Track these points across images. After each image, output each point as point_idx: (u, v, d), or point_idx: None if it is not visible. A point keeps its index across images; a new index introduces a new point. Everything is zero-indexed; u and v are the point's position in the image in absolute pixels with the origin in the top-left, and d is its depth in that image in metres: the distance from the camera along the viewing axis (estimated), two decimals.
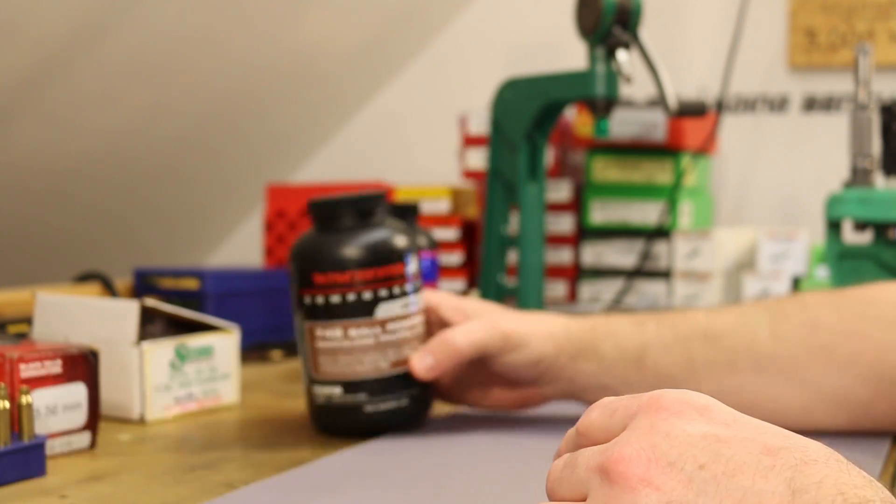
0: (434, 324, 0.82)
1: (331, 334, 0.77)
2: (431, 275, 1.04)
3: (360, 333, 0.76)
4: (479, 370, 0.82)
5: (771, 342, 0.76)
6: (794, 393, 0.76)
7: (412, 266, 0.78)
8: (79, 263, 1.47)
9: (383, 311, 0.77)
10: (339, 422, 0.79)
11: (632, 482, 0.41)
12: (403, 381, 0.78)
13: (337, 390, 0.78)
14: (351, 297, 0.76)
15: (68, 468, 0.71)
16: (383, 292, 0.76)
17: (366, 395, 0.77)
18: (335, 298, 0.76)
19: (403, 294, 0.78)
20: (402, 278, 0.77)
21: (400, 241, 0.78)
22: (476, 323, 0.79)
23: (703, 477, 0.40)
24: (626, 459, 0.41)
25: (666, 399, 0.44)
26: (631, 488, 0.41)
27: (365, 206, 0.78)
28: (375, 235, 0.77)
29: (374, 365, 0.77)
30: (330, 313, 0.76)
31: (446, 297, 0.83)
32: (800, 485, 0.40)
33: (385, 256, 0.77)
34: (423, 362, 0.77)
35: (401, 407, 0.79)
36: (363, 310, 0.76)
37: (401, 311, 0.77)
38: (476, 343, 0.78)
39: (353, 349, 0.77)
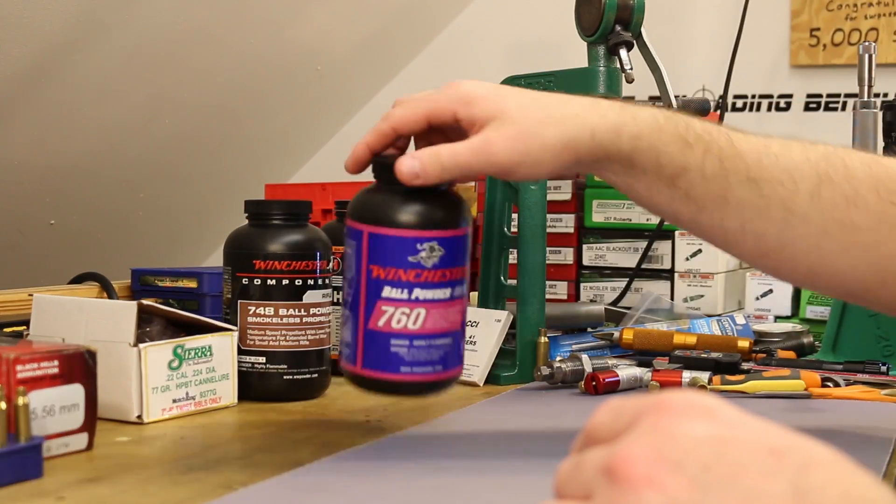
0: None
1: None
2: None
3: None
4: None
5: (808, 204, 0.74)
6: (806, 258, 0.75)
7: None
8: (78, 263, 1.47)
9: None
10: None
11: (636, 482, 0.40)
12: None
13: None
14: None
15: (65, 470, 0.70)
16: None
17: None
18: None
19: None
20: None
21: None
22: (470, 145, 0.73)
23: (707, 478, 0.40)
24: (631, 459, 0.41)
25: (672, 401, 0.44)
26: (635, 489, 0.40)
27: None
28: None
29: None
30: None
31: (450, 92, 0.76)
32: (805, 486, 0.39)
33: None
34: (410, 167, 0.74)
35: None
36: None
37: None
38: (463, 168, 0.73)
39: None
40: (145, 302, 0.88)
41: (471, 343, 1.09)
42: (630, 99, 1.76)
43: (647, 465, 0.41)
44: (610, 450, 0.43)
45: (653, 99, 1.76)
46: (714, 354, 1.05)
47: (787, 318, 1.52)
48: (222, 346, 0.92)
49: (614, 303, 1.54)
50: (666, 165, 0.74)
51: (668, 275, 1.56)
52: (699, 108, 1.12)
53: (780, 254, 0.76)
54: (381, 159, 0.79)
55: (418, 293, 0.78)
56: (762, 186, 0.74)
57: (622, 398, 0.47)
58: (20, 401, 0.67)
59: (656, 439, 0.42)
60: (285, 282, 0.96)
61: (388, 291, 0.77)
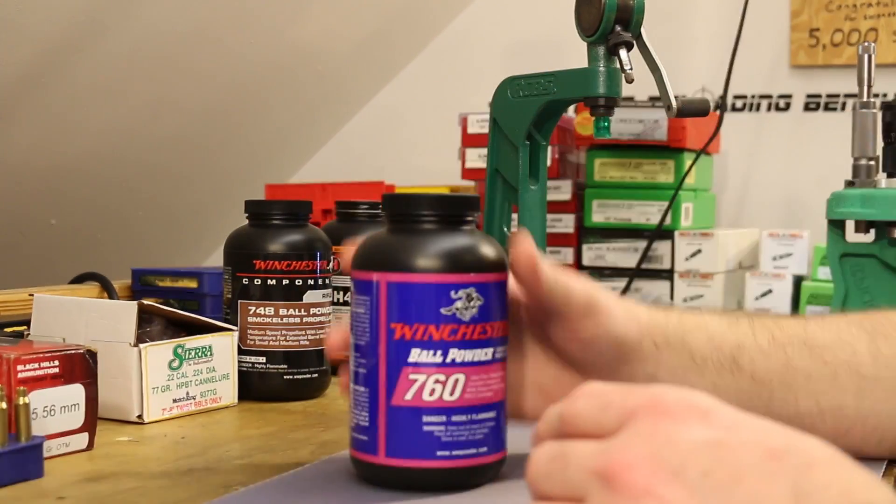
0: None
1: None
2: None
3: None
4: (547, 342, 0.69)
5: (872, 363, 0.69)
6: (892, 423, 0.70)
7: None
8: (78, 263, 1.47)
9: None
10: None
11: (636, 492, 0.40)
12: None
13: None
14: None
15: (66, 469, 0.70)
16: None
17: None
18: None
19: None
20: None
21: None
22: (560, 270, 0.66)
23: (707, 485, 0.40)
24: (630, 467, 0.41)
25: (667, 401, 0.43)
26: (635, 498, 0.40)
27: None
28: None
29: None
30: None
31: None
32: (805, 489, 0.39)
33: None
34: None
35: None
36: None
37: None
38: (559, 283, 0.65)
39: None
40: (146, 302, 0.88)
41: None
42: (630, 99, 1.76)
43: (647, 474, 0.40)
44: (603, 451, 0.42)
45: (653, 99, 1.76)
46: None
47: None
48: (222, 346, 0.92)
49: None
50: (721, 345, 0.68)
51: (668, 275, 1.56)
52: (699, 109, 1.12)
53: (864, 426, 0.70)
54: (395, 194, 0.67)
55: (455, 355, 0.63)
56: (823, 353, 0.69)
57: (602, 385, 0.46)
58: (21, 400, 0.68)
59: (654, 445, 0.41)
60: (285, 282, 0.96)
61: (416, 355, 0.63)
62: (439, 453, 0.63)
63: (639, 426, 0.42)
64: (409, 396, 0.63)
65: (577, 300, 0.65)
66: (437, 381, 0.63)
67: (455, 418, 0.64)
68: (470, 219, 0.66)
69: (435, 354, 0.63)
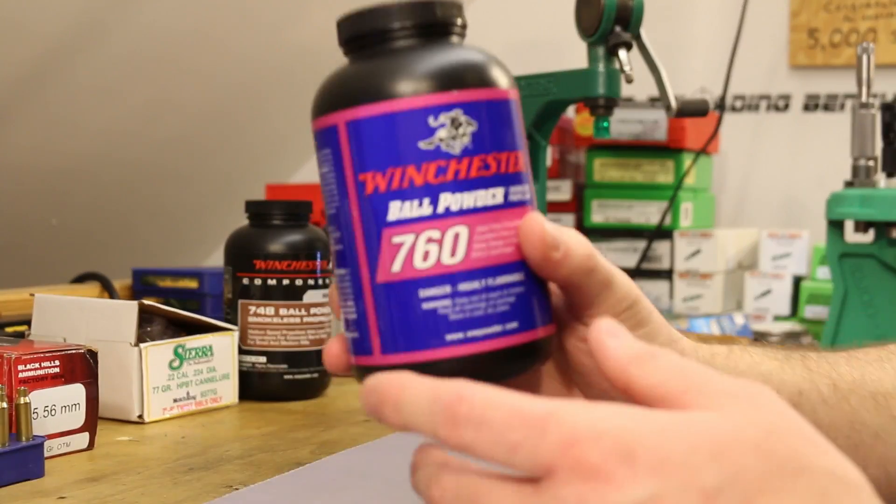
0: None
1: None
2: None
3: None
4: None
5: None
6: None
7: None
8: (78, 263, 1.47)
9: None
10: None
11: None
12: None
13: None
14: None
15: (67, 469, 0.70)
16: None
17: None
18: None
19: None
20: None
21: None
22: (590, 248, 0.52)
23: None
24: None
25: (588, 455, 0.38)
26: None
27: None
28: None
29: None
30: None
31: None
32: None
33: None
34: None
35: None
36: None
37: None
38: (591, 260, 0.49)
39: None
40: (146, 302, 0.88)
41: None
42: (629, 100, 1.77)
43: None
44: None
45: (652, 99, 1.76)
46: None
47: (786, 317, 1.53)
48: (223, 346, 0.93)
49: None
50: (779, 389, 0.57)
51: (668, 275, 1.56)
52: (698, 109, 1.12)
53: None
54: (348, 15, 0.49)
55: (448, 201, 0.45)
56: (890, 403, 0.58)
57: (488, 412, 0.38)
58: (21, 400, 0.68)
59: None
60: (285, 282, 0.96)
61: (397, 210, 0.46)
62: (449, 337, 0.45)
63: (562, 493, 0.38)
64: (396, 267, 0.46)
65: (620, 290, 0.52)
66: (430, 241, 0.45)
67: (464, 287, 0.45)
68: (453, 28, 0.50)
69: (421, 205, 0.45)
